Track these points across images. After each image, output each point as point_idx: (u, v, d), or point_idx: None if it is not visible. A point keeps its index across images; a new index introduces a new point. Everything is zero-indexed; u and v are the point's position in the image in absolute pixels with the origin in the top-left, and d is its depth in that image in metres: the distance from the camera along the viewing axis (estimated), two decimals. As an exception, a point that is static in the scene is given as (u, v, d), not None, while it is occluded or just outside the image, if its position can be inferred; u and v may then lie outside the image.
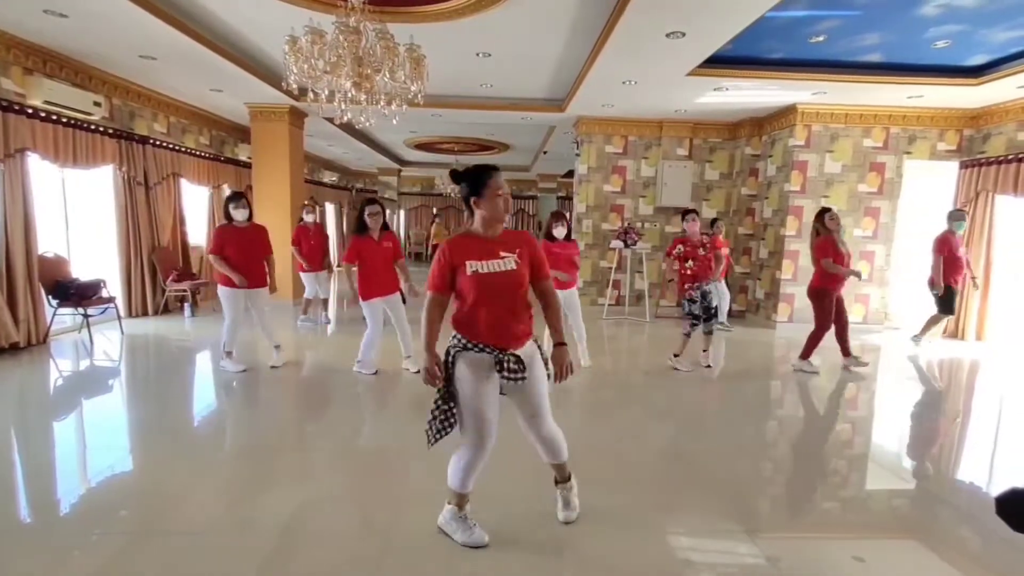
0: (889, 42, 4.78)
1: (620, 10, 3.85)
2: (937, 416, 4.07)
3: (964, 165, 6.48)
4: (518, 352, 1.94)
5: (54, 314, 5.03)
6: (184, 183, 6.96)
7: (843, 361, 4.96)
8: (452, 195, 13.15)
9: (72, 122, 5.15)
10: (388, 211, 15.05)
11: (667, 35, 4.27)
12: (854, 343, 5.99)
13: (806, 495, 2.71)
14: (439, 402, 1.98)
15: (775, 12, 3.91)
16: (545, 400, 2.11)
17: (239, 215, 4.21)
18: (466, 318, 1.94)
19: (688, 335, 4.74)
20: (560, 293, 4.39)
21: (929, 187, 6.81)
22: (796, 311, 6.74)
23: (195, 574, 1.91)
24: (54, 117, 4.94)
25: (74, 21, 4.24)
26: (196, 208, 7.47)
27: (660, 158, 7.55)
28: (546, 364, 2.09)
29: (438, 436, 1.99)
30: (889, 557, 2.15)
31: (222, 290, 4.22)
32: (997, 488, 2.73)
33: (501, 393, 2.02)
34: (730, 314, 7.53)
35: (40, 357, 4.66)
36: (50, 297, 4.97)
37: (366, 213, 4.14)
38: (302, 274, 6.22)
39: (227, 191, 7.95)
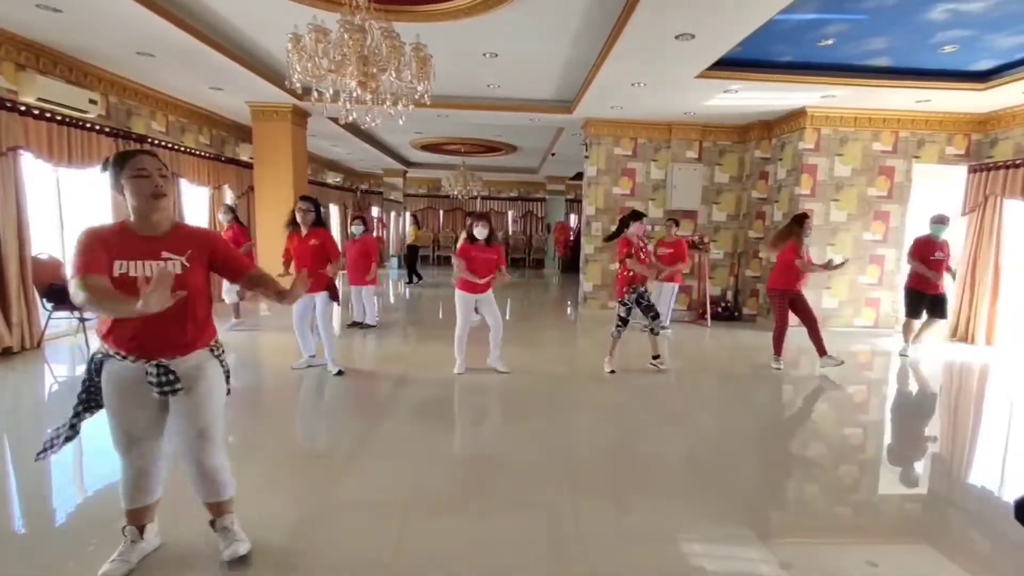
0: (897, 46, 4.82)
1: (629, 11, 3.83)
2: (947, 421, 4.05)
3: (972, 169, 6.50)
4: (173, 362, 1.74)
5: (49, 317, 4.91)
6: (184, 183, 6.84)
7: (822, 359, 4.91)
8: (459, 196, 12.99)
9: (67, 120, 5.02)
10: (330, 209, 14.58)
11: (676, 37, 4.26)
12: (864, 347, 6.06)
13: (818, 500, 2.68)
14: (75, 407, 1.78)
15: (784, 15, 3.94)
16: (216, 422, 1.85)
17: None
18: (113, 323, 1.69)
19: (615, 336, 4.68)
20: (476, 296, 4.36)
21: (938, 191, 6.80)
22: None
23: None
24: (48, 115, 4.81)
25: (68, 16, 4.13)
26: (196, 209, 7.34)
27: (669, 160, 7.52)
28: (227, 378, 1.92)
29: (48, 446, 1.80)
30: (901, 562, 2.14)
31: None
32: (1008, 492, 2.77)
33: (165, 410, 1.82)
34: (733, 317, 7.52)
35: (34, 362, 4.55)
36: (44, 300, 4.85)
37: (296, 209, 4.24)
38: None
39: (227, 192, 7.86)
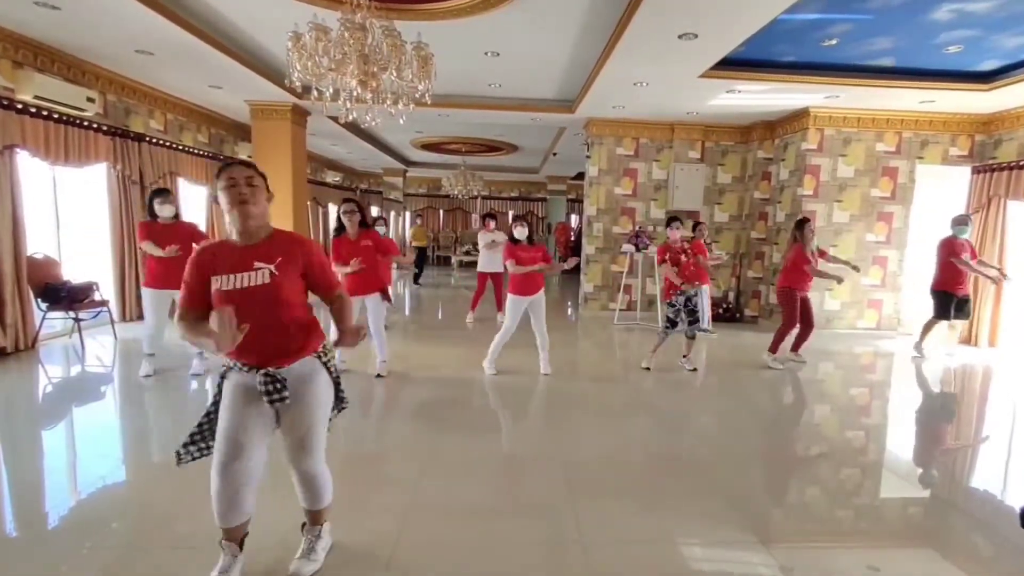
0: (901, 47, 4.79)
1: (632, 10, 3.80)
2: (950, 423, 4.02)
3: (976, 170, 6.48)
4: (281, 370, 1.75)
5: (43, 318, 4.86)
6: (182, 182, 6.79)
7: (788, 353, 5.20)
8: (460, 196, 12.95)
9: (64, 118, 4.97)
10: (387, 211, 14.50)
11: (679, 36, 4.23)
12: (867, 348, 6.07)
13: (819, 504, 2.66)
14: (201, 421, 1.84)
15: (787, 15, 3.92)
16: (317, 430, 1.84)
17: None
18: None
19: (663, 337, 4.85)
20: (527, 299, 4.37)
21: (942, 192, 6.78)
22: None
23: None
24: (45, 113, 4.76)
25: (66, 13, 4.09)
26: (194, 208, 7.29)
27: (672, 161, 7.48)
28: (338, 387, 1.95)
29: (185, 454, 1.82)
30: (904, 566, 2.11)
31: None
32: (1012, 495, 2.77)
33: (277, 424, 1.83)
34: (735, 318, 7.47)
35: (29, 363, 4.50)
36: (39, 300, 4.79)
37: (340, 213, 4.13)
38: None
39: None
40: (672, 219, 4.85)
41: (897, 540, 2.32)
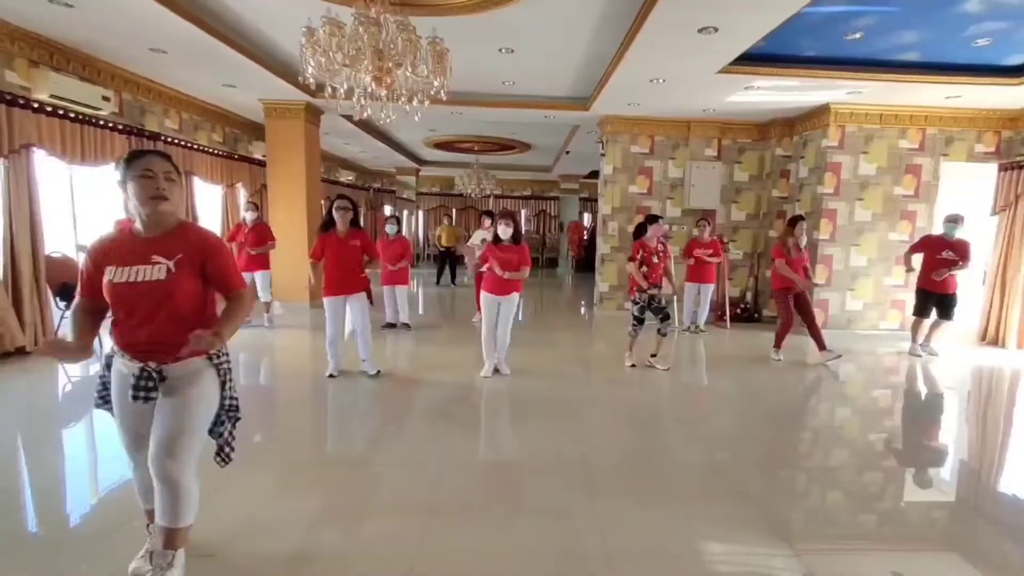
0: (927, 40, 4.67)
1: (651, 4, 3.72)
2: (976, 426, 3.90)
3: (1003, 167, 6.28)
4: (165, 367, 1.67)
5: (62, 317, 4.89)
6: (197, 181, 6.81)
7: (819, 355, 5.14)
8: (472, 195, 12.86)
9: (80, 117, 4.99)
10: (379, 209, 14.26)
11: (699, 31, 4.15)
12: (891, 350, 5.91)
13: (840, 506, 2.59)
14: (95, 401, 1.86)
15: (811, 8, 3.82)
16: (189, 434, 1.70)
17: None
18: (113, 321, 1.71)
19: (631, 335, 4.83)
20: (499, 299, 4.27)
21: (967, 190, 6.59)
22: (830, 317, 6.55)
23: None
24: (61, 112, 4.78)
25: (81, 12, 4.10)
26: (209, 207, 7.32)
27: (688, 159, 7.38)
28: (228, 404, 1.84)
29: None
30: (927, 572, 2.08)
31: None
32: None
33: None
34: (753, 318, 7.34)
35: (48, 362, 4.51)
36: (57, 299, 4.83)
37: (334, 208, 4.09)
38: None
39: (241, 190, 7.83)
40: (655, 218, 4.71)
41: (922, 545, 2.27)
